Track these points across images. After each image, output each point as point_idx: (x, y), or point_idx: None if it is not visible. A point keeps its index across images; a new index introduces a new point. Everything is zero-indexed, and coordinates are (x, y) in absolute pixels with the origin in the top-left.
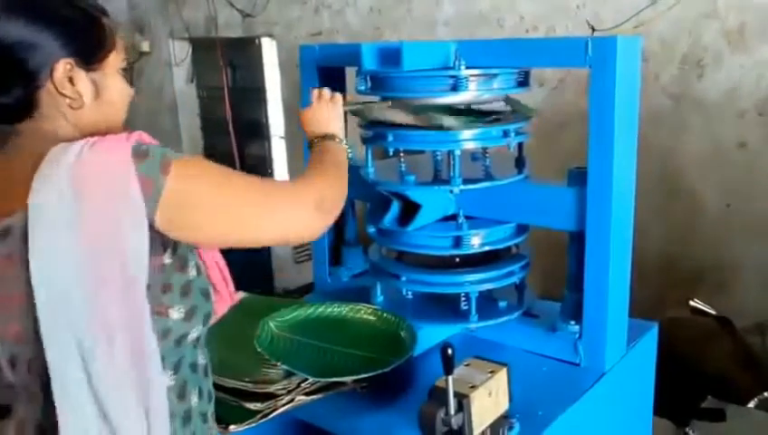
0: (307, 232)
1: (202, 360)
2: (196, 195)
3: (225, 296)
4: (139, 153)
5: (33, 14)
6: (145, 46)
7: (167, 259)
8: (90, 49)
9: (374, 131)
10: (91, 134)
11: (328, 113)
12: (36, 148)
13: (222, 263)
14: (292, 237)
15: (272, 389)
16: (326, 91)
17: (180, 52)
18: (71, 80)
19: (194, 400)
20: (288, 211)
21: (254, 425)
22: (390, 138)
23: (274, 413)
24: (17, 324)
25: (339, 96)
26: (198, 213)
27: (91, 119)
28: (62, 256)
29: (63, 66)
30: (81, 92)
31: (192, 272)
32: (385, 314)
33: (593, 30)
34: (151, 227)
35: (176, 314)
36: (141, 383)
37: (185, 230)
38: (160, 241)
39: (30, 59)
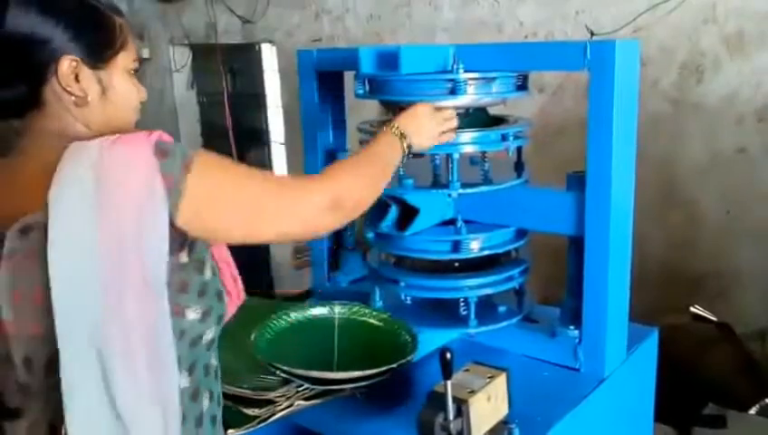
0: (321, 228)
1: (214, 362)
2: (218, 188)
3: (235, 296)
4: (161, 150)
5: (43, 7)
6: (145, 53)
7: (184, 259)
8: (97, 47)
9: (371, 135)
10: (102, 133)
11: (429, 123)
12: (44, 148)
13: (231, 262)
14: (310, 231)
15: (270, 395)
16: (450, 112)
17: (180, 58)
18: (76, 77)
19: (205, 402)
20: (303, 205)
21: (252, 429)
22: None
23: (273, 418)
24: (37, 323)
25: (453, 127)
26: (220, 206)
27: (98, 118)
28: (81, 252)
29: (69, 63)
30: (86, 90)
31: (208, 273)
32: (387, 318)
33: (592, 35)
34: (172, 225)
35: (192, 314)
36: (158, 385)
37: (208, 223)
38: (179, 241)
39: (36, 53)
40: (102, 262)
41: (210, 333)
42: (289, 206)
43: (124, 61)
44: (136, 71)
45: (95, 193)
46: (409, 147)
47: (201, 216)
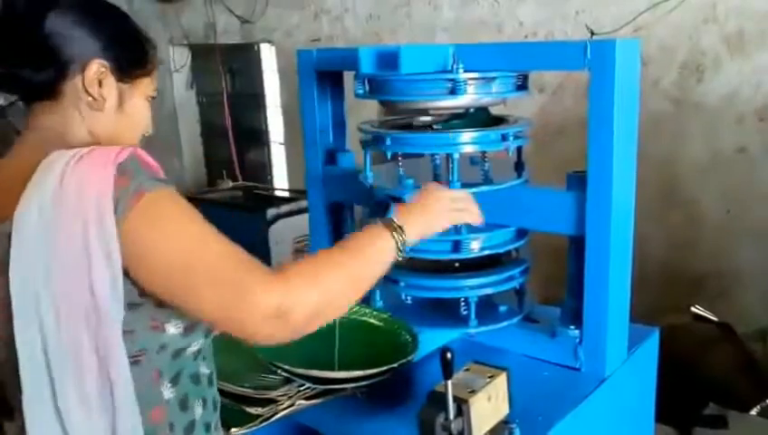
0: (259, 338)
1: (205, 370)
2: (156, 238)
3: None
4: (122, 175)
5: (87, 14)
6: None
7: None
8: (127, 62)
9: (372, 135)
10: (102, 144)
11: (439, 207)
12: (41, 149)
13: None
14: (246, 337)
15: (272, 395)
16: (463, 193)
17: (180, 58)
18: (100, 82)
19: (198, 410)
20: (242, 306)
21: (254, 428)
22: (389, 141)
23: (275, 417)
24: (2, 327)
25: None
26: (155, 259)
27: (106, 127)
28: (35, 272)
29: (98, 66)
30: (105, 96)
31: None
32: (387, 318)
33: (592, 34)
34: None
35: (173, 329)
36: (108, 407)
37: (139, 270)
38: None
39: (70, 49)
40: (53, 284)
41: (196, 345)
42: (226, 301)
43: (147, 86)
44: (152, 99)
45: (51, 214)
46: (401, 245)
47: (133, 258)
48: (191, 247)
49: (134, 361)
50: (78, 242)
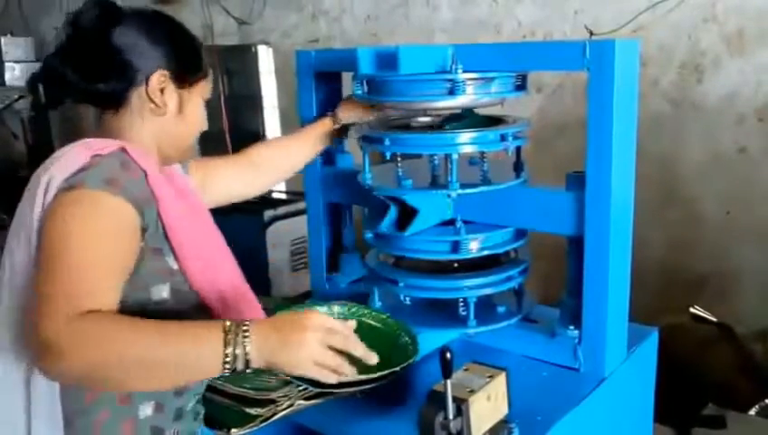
0: (35, 362)
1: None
2: (53, 224)
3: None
4: (90, 162)
5: (151, 28)
6: None
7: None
8: (186, 71)
9: (371, 135)
10: (160, 147)
11: (304, 351)
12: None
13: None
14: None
15: (272, 395)
16: (343, 327)
17: None
18: (162, 90)
19: (145, 410)
20: (37, 322)
21: (254, 429)
22: (387, 142)
23: (274, 417)
24: None
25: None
26: (43, 238)
27: (166, 130)
28: (10, 270)
29: (159, 77)
30: (167, 103)
31: (161, 294)
32: (386, 319)
33: (591, 34)
34: None
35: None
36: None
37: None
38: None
39: (135, 62)
40: (8, 253)
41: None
42: (36, 310)
43: (204, 88)
44: (207, 100)
45: (37, 210)
46: (246, 361)
47: (41, 231)
48: (63, 246)
49: None
50: (27, 208)
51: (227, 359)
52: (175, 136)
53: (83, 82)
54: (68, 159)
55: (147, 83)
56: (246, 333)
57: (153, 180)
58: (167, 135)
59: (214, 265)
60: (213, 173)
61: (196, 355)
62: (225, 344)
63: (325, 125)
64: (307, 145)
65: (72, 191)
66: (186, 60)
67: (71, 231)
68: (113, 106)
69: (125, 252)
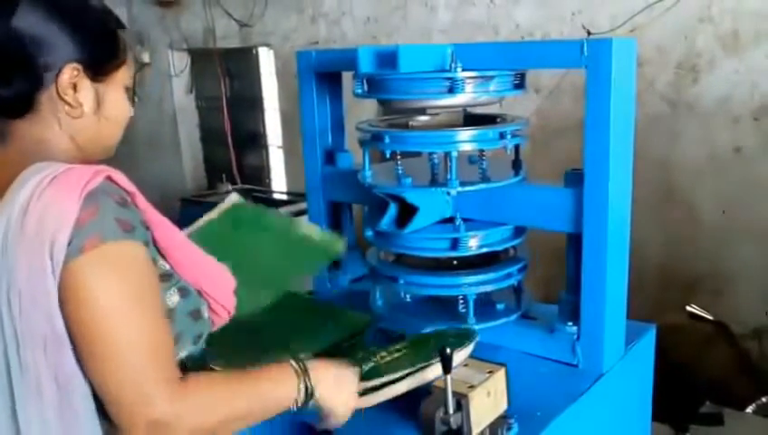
0: (125, 427)
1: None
2: (88, 294)
3: (222, 312)
4: (90, 205)
5: (55, 11)
6: (146, 57)
7: None
8: (101, 59)
9: (371, 134)
10: (85, 148)
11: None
12: (22, 162)
13: (219, 276)
14: (120, 423)
15: None
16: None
17: (179, 63)
18: (74, 86)
19: None
20: (133, 403)
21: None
22: (387, 140)
23: None
24: None
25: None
26: (78, 314)
27: (87, 131)
28: None
29: (70, 71)
30: (82, 101)
31: (174, 299)
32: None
33: (589, 35)
34: None
35: None
36: (68, 430)
37: (68, 316)
38: None
39: (41, 56)
40: (14, 308)
41: (184, 352)
42: (122, 394)
43: (123, 76)
44: (128, 89)
45: (16, 237)
46: (311, 395)
47: (64, 302)
48: (120, 327)
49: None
50: (37, 273)
51: (303, 394)
52: (97, 136)
53: None
54: (57, 208)
55: (56, 82)
56: (310, 370)
57: (140, 200)
58: (88, 136)
59: (192, 255)
60: None
61: (276, 402)
62: (300, 383)
63: None
64: None
65: (89, 253)
66: (99, 46)
67: (114, 305)
68: (19, 113)
69: (158, 292)
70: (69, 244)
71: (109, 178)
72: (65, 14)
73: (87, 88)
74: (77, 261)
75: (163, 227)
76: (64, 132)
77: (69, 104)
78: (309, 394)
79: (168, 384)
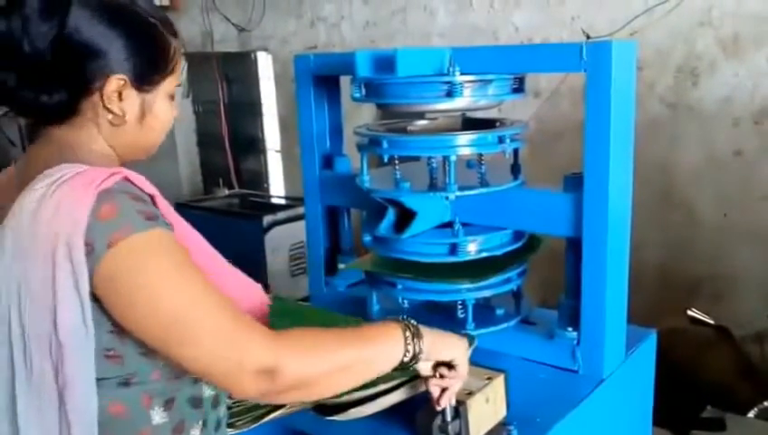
0: (239, 391)
1: (210, 391)
2: (139, 290)
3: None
4: (108, 203)
5: (109, 18)
6: None
7: None
8: (149, 70)
9: (369, 138)
10: (122, 155)
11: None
12: (52, 161)
13: (241, 284)
14: (227, 388)
15: None
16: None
17: None
18: (120, 95)
19: (195, 433)
20: (231, 356)
21: (246, 429)
22: (385, 144)
23: (266, 419)
24: None
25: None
26: (136, 311)
27: (126, 137)
28: (9, 291)
29: (116, 82)
30: (126, 110)
31: None
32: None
33: (588, 38)
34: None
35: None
36: None
37: (118, 314)
38: None
39: (89, 64)
40: (23, 310)
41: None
42: (223, 356)
43: (169, 85)
44: (175, 94)
45: (27, 239)
46: (418, 354)
47: (112, 301)
48: (185, 302)
49: (124, 381)
50: (46, 274)
51: (410, 350)
52: (138, 143)
53: (20, 93)
54: (69, 208)
55: (101, 91)
56: (419, 328)
57: (160, 202)
58: (128, 143)
59: (214, 260)
60: None
61: (383, 350)
62: (408, 340)
63: None
64: None
65: (118, 245)
66: (147, 58)
67: (179, 281)
68: (60, 119)
69: (196, 267)
70: (89, 245)
71: (125, 178)
72: (119, 23)
73: (132, 98)
74: (107, 257)
75: (182, 229)
76: (102, 137)
77: (113, 113)
78: (417, 335)
79: (257, 332)
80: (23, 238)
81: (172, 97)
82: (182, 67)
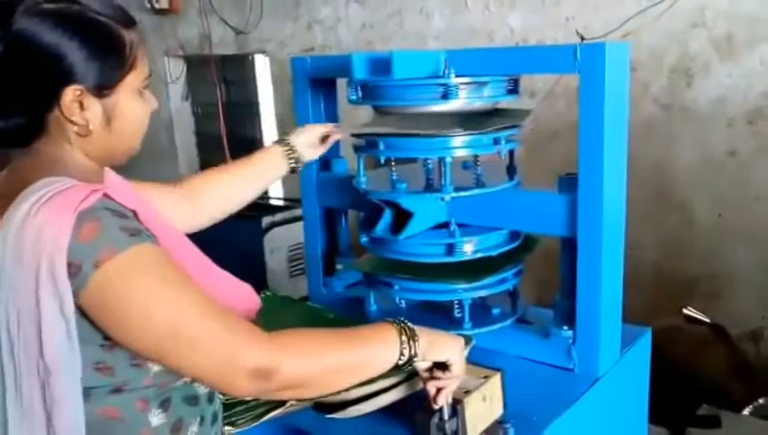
0: (234, 391)
1: (204, 389)
2: (130, 306)
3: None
4: (89, 222)
5: (59, 19)
6: None
7: None
8: (105, 74)
9: (366, 140)
10: (102, 162)
11: (459, 355)
12: (37, 176)
13: (230, 286)
14: (222, 389)
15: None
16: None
17: (175, 69)
18: (81, 104)
19: (193, 429)
20: (227, 358)
21: (247, 428)
22: (382, 146)
23: (267, 416)
24: None
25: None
26: (127, 321)
27: (99, 145)
28: None
29: (73, 92)
30: (89, 119)
31: None
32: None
33: (582, 39)
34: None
35: (156, 366)
36: None
37: (110, 329)
38: None
39: (46, 73)
40: (12, 329)
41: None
42: (218, 362)
43: (134, 80)
44: (144, 88)
45: (11, 260)
46: (413, 356)
47: (103, 319)
48: (177, 313)
49: (115, 389)
50: (30, 294)
51: (406, 351)
52: (112, 148)
53: None
54: (50, 229)
55: (59, 104)
56: (413, 329)
57: (143, 216)
58: (103, 150)
59: (209, 279)
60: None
61: (378, 353)
62: (401, 342)
63: (273, 153)
64: (254, 175)
65: (106, 265)
66: (103, 61)
67: (168, 293)
68: (25, 142)
69: (189, 277)
70: (75, 265)
71: (105, 195)
72: (65, 30)
73: (94, 105)
74: (95, 277)
75: (168, 237)
76: (76, 149)
77: (77, 124)
78: (412, 337)
79: (250, 333)
80: (9, 259)
81: (141, 92)
82: (143, 56)
